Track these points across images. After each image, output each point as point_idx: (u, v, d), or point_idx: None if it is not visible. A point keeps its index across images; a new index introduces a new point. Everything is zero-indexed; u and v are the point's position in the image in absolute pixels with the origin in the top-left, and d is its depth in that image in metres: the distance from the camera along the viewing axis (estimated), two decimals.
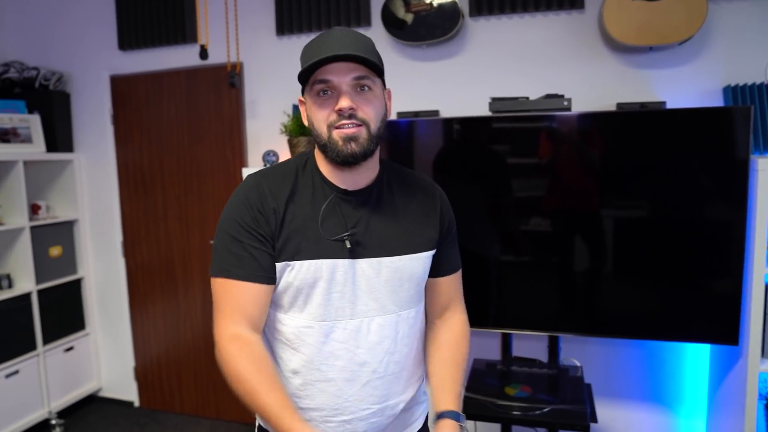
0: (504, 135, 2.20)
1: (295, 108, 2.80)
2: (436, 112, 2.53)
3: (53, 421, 3.07)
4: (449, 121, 2.28)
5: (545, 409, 1.98)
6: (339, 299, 1.12)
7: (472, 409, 2.03)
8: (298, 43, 2.81)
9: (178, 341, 3.25)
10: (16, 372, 2.94)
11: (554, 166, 2.14)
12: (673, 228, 2.03)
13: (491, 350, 2.60)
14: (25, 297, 2.99)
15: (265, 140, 2.93)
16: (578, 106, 2.36)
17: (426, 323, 1.30)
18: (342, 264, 1.11)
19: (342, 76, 1.05)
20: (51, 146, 3.15)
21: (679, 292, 2.04)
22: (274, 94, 2.89)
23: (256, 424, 1.25)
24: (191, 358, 3.22)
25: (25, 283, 3.01)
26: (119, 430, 3.09)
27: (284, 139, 2.80)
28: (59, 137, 3.17)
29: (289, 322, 1.13)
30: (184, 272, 3.18)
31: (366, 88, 1.08)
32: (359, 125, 1.07)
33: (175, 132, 3.11)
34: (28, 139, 3.01)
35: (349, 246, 1.11)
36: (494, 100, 2.24)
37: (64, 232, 3.24)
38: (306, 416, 1.14)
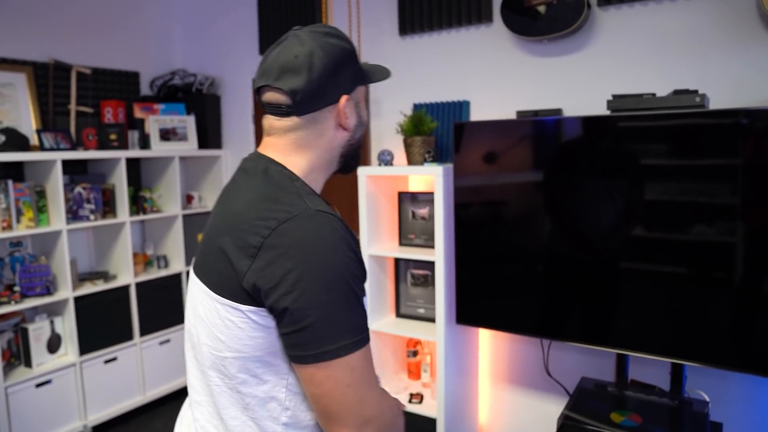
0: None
1: (415, 107, 2.82)
2: (558, 111, 2.37)
3: None
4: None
5: None
6: None
7: (569, 431, 1.89)
8: (420, 42, 2.82)
9: None
10: (168, 341, 3.36)
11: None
12: None
13: (603, 371, 2.38)
14: (177, 276, 3.40)
15: (387, 140, 2.98)
16: (724, 103, 2.06)
17: None
18: None
19: None
20: (203, 143, 3.53)
21: None
22: (395, 94, 2.93)
23: None
24: None
25: (177, 264, 3.42)
26: None
27: (400, 138, 2.83)
28: (210, 135, 3.55)
29: None
30: None
31: None
32: None
33: None
34: (184, 138, 3.41)
35: None
36: (615, 97, 2.04)
37: None
38: None
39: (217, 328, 0.94)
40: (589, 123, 2.06)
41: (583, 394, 2.14)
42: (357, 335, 0.89)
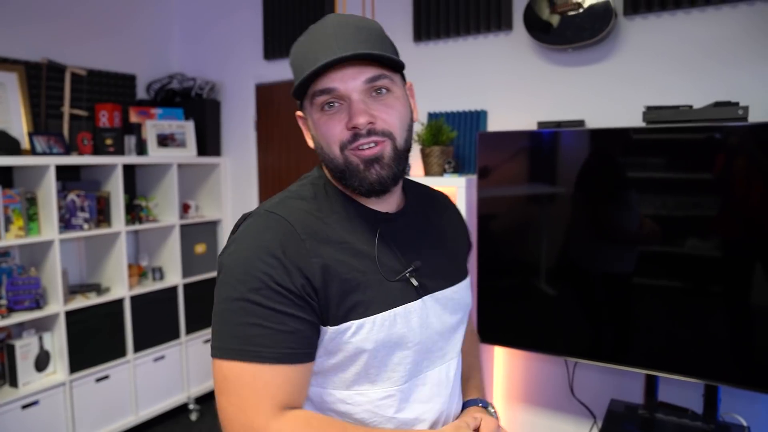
0: (662, 148, 1.92)
1: (431, 116, 2.72)
2: (581, 122, 2.30)
3: (191, 406, 3.28)
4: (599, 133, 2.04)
5: None
6: (418, 352, 0.90)
7: None
8: (435, 49, 2.73)
9: None
10: (162, 357, 3.18)
11: (724, 184, 1.81)
12: None
13: (630, 392, 2.29)
14: (173, 289, 3.23)
15: None
16: (760, 116, 2.01)
17: None
18: (414, 308, 0.89)
19: (350, 80, 0.83)
20: (201, 150, 3.38)
21: None
22: None
23: None
24: None
25: (174, 276, 3.25)
26: None
27: (417, 148, 2.73)
28: (209, 142, 3.40)
29: (358, 399, 0.87)
30: None
31: (384, 90, 0.86)
32: (382, 141, 0.85)
33: None
34: (182, 144, 3.26)
35: (416, 284, 0.90)
36: (649, 109, 1.97)
37: (209, 230, 3.47)
38: None
39: None
40: (624, 135, 1.98)
41: (614, 417, 2.05)
42: (241, 345, 0.78)
